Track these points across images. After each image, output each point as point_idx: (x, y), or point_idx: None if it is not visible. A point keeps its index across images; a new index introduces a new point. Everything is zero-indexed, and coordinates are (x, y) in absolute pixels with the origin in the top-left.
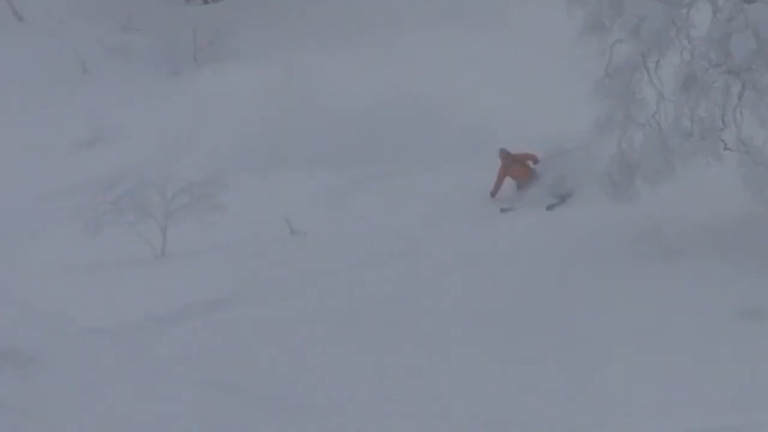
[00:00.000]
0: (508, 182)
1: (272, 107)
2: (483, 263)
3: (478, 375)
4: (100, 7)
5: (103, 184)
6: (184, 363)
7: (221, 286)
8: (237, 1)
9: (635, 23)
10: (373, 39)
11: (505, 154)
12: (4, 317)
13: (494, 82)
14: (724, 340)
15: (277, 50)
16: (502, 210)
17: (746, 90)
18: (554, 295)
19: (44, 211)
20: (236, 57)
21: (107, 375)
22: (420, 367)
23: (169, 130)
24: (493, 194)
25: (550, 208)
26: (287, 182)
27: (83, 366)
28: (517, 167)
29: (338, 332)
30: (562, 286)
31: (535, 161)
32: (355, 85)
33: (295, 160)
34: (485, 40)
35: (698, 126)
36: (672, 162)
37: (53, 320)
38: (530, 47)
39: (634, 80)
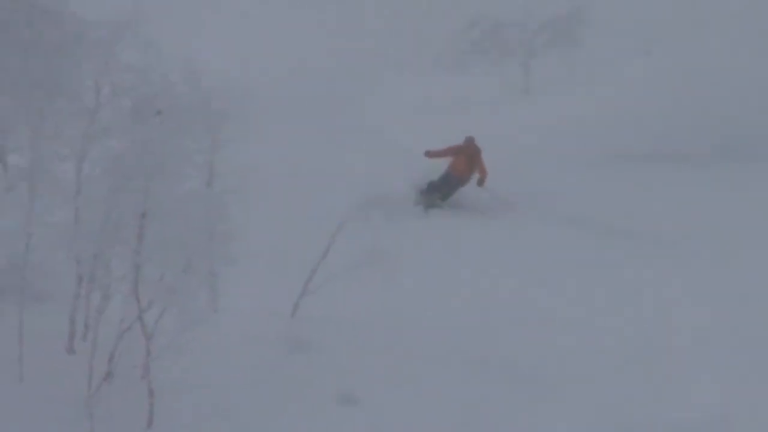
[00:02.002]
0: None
1: None
2: None
3: None
4: None
5: (464, 24)
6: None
7: (587, 117)
8: None
9: None
10: None
11: (470, 142)
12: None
13: None
14: None
15: None
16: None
17: None
18: None
19: (401, 52)
20: None
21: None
22: None
23: None
24: (428, 155)
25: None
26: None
27: None
28: (467, 161)
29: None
30: None
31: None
32: None
33: None
34: None
35: None
36: None
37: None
38: None
39: None
